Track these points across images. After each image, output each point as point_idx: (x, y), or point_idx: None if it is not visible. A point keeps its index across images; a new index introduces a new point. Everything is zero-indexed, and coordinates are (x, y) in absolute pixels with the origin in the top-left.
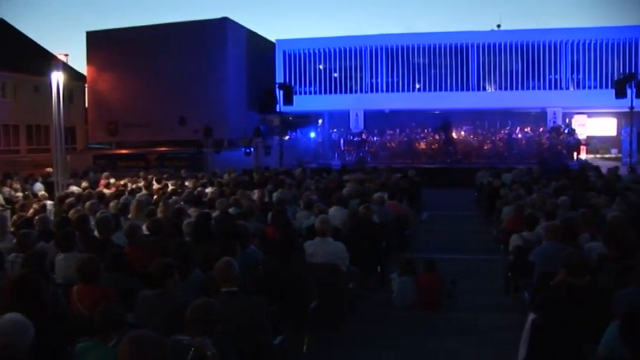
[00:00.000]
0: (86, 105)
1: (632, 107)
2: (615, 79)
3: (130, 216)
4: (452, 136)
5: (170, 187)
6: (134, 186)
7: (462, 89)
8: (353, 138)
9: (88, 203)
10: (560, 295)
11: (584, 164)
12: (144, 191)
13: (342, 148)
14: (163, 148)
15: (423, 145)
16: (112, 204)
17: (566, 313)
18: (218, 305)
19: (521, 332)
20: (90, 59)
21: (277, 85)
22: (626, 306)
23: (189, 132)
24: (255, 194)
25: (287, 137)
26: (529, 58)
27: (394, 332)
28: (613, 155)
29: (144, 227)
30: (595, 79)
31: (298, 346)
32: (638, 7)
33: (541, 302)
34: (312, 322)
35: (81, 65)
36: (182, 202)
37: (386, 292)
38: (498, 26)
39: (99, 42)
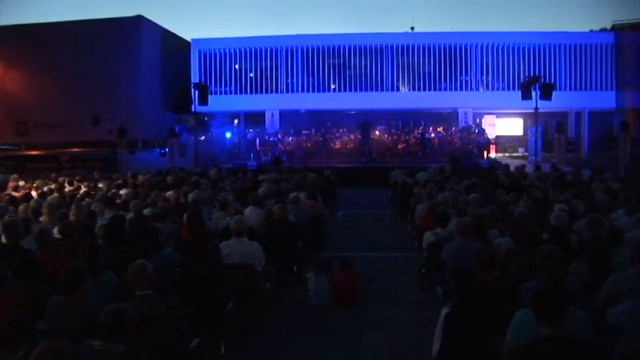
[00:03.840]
0: None
1: (536, 108)
2: (521, 81)
3: (41, 219)
4: (369, 136)
5: (83, 189)
6: (45, 188)
7: (377, 90)
8: (268, 138)
9: None
10: (471, 290)
11: (494, 163)
12: (55, 194)
13: (258, 148)
14: (76, 149)
15: (338, 145)
16: (21, 207)
17: (477, 307)
18: (131, 310)
19: (436, 326)
20: None
21: (192, 85)
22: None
23: (102, 132)
24: (170, 195)
25: (202, 137)
26: (441, 60)
27: (311, 331)
28: (520, 154)
29: (55, 231)
30: (503, 81)
31: (216, 348)
32: (543, 14)
33: (453, 296)
34: (229, 324)
35: None
36: (95, 204)
37: (302, 291)
38: (412, 29)
39: (5, 38)
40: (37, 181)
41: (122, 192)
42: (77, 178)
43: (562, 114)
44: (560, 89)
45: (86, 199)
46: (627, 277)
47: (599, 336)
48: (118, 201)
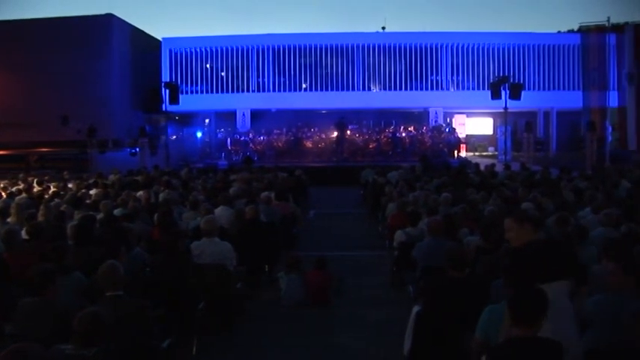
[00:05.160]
0: None
1: (506, 108)
2: (491, 81)
3: (8, 220)
4: (344, 135)
5: (52, 190)
6: (13, 189)
7: (348, 89)
8: (240, 137)
9: None
10: (441, 288)
11: (464, 162)
12: (23, 194)
13: (229, 148)
14: (45, 149)
15: (309, 144)
16: None
17: (447, 305)
18: (105, 314)
19: (407, 325)
20: None
21: (163, 84)
22: (500, 295)
23: (72, 132)
24: (141, 195)
25: (173, 137)
26: (412, 60)
27: (283, 330)
28: (490, 153)
29: (23, 232)
30: (473, 81)
31: (187, 348)
32: (512, 15)
33: (424, 295)
34: (200, 324)
35: None
36: (65, 205)
37: (274, 290)
38: (383, 28)
39: None
40: (4, 182)
41: (92, 192)
42: (46, 178)
43: (531, 113)
44: (529, 89)
45: (55, 200)
46: (593, 273)
47: None
48: (88, 201)
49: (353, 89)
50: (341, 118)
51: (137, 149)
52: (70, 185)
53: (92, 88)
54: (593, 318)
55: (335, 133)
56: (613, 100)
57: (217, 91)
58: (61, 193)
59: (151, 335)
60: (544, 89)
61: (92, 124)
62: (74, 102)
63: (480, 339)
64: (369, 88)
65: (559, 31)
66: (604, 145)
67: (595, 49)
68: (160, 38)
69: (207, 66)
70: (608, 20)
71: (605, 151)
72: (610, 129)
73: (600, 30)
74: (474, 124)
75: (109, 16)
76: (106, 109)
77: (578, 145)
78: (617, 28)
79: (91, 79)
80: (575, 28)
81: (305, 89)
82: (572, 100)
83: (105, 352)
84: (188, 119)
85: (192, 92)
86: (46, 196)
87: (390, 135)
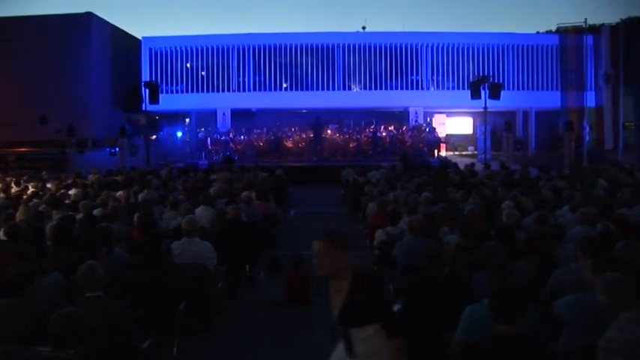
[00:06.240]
0: None
1: (485, 107)
2: (471, 81)
3: None
4: (321, 135)
5: (30, 190)
6: None
7: (328, 89)
8: (220, 137)
9: None
10: (421, 286)
11: (444, 161)
12: (1, 194)
13: (209, 148)
14: (23, 149)
15: (290, 144)
16: None
17: (427, 303)
18: (82, 314)
19: None
20: None
21: (143, 84)
22: (482, 289)
23: (50, 131)
24: (121, 195)
25: (153, 137)
26: (392, 60)
27: (264, 330)
28: (470, 152)
29: (1, 232)
30: (453, 81)
31: (168, 348)
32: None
33: (404, 293)
34: (180, 324)
35: None
36: (43, 205)
37: (254, 290)
38: (363, 28)
39: None
40: None
41: (71, 192)
42: (24, 178)
43: (510, 113)
44: (508, 89)
45: (34, 200)
46: (571, 271)
47: (544, 329)
48: (67, 201)
49: (333, 89)
50: (317, 119)
51: (117, 149)
52: (48, 185)
53: (71, 88)
54: (568, 318)
55: (311, 134)
56: (590, 100)
57: (197, 91)
58: (40, 193)
59: (131, 336)
60: (523, 89)
61: (71, 123)
62: (53, 101)
63: (460, 338)
64: (350, 88)
65: (538, 32)
66: (582, 144)
67: (573, 50)
68: (139, 37)
69: (188, 65)
70: (585, 22)
71: (583, 150)
72: (587, 129)
73: (578, 31)
74: (454, 124)
75: (89, 15)
76: (86, 109)
77: (556, 145)
78: (594, 30)
79: (70, 79)
80: (554, 29)
81: (285, 89)
82: (550, 100)
83: (83, 353)
84: (168, 119)
85: (172, 92)
86: (25, 197)
87: (371, 134)
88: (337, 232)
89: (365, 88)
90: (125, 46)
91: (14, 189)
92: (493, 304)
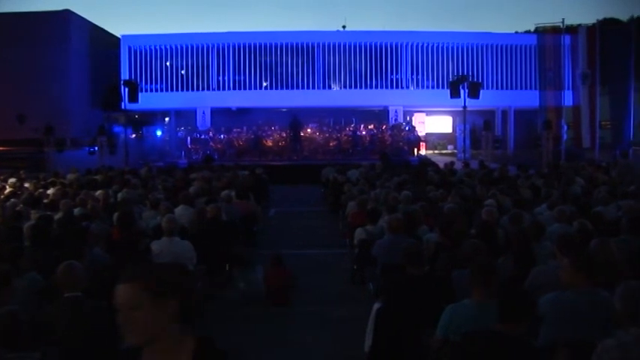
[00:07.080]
0: None
1: (464, 106)
2: (450, 80)
3: None
4: (299, 134)
5: (8, 189)
6: None
7: (309, 87)
8: (200, 136)
9: None
10: (401, 285)
11: (424, 160)
12: None
13: (189, 147)
14: (0, 148)
15: (270, 143)
16: None
17: (407, 302)
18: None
19: (368, 322)
20: None
21: (122, 82)
22: (462, 287)
23: (28, 130)
24: (99, 195)
25: (133, 136)
26: (372, 59)
27: (243, 329)
28: (449, 151)
29: None
30: (432, 80)
31: None
32: (471, 15)
33: (384, 292)
34: None
35: None
36: (21, 205)
37: (234, 290)
38: (344, 27)
39: None
40: None
41: (49, 192)
42: (1, 177)
43: (489, 112)
44: (487, 88)
45: (11, 200)
46: (549, 269)
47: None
48: (45, 201)
49: (313, 87)
50: (294, 118)
51: (96, 148)
52: (26, 185)
53: (49, 86)
54: (548, 315)
55: (289, 133)
56: (568, 99)
57: (177, 89)
58: (18, 192)
59: (112, 337)
60: (502, 88)
61: (49, 122)
62: (31, 100)
63: (440, 337)
64: (330, 87)
65: (516, 32)
66: (559, 143)
67: (551, 50)
68: (118, 35)
69: (167, 64)
70: (563, 22)
71: (561, 149)
72: (565, 127)
73: (555, 31)
74: (434, 123)
75: (67, 13)
76: (64, 107)
77: (534, 143)
78: (571, 30)
79: (48, 77)
80: (532, 29)
81: (265, 87)
82: (529, 99)
83: (50, 356)
84: (148, 117)
85: (151, 90)
86: (2, 196)
87: (351, 133)
88: (159, 269)
89: (345, 86)
90: (104, 44)
91: None
92: (504, 303)
